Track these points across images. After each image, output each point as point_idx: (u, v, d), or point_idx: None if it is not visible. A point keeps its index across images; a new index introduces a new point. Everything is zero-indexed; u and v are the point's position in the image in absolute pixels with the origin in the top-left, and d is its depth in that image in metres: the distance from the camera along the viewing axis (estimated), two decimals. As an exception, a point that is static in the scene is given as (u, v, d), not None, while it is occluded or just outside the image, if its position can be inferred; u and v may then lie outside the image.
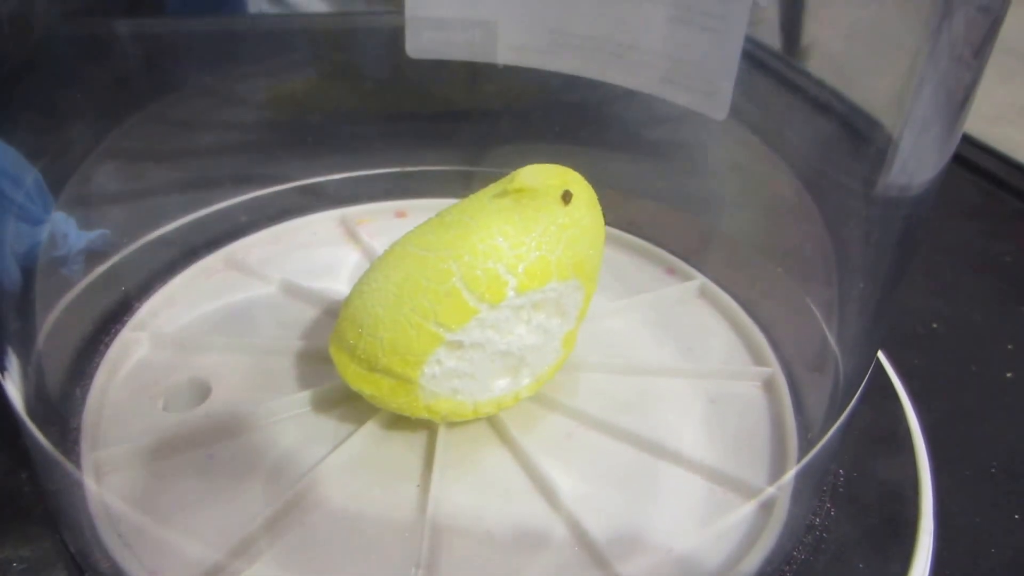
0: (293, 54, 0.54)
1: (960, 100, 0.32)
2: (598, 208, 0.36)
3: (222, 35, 0.51)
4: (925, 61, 0.33)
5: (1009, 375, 0.50)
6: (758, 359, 0.42)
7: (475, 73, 0.48)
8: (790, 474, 0.34)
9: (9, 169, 0.34)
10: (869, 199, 0.38)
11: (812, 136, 0.42)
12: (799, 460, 0.35)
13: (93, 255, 0.41)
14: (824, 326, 0.40)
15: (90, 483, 0.31)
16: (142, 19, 0.47)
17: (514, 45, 0.45)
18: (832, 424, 0.34)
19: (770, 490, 0.33)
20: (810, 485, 0.34)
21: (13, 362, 0.32)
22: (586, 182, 0.36)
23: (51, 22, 0.40)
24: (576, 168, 0.37)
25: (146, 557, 0.29)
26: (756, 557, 0.31)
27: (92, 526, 0.30)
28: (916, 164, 0.35)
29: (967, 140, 0.81)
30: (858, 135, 0.39)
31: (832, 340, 0.39)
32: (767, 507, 0.33)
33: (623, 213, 0.51)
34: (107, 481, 0.32)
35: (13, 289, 0.34)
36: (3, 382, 0.31)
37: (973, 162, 0.78)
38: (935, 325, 0.55)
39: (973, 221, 0.71)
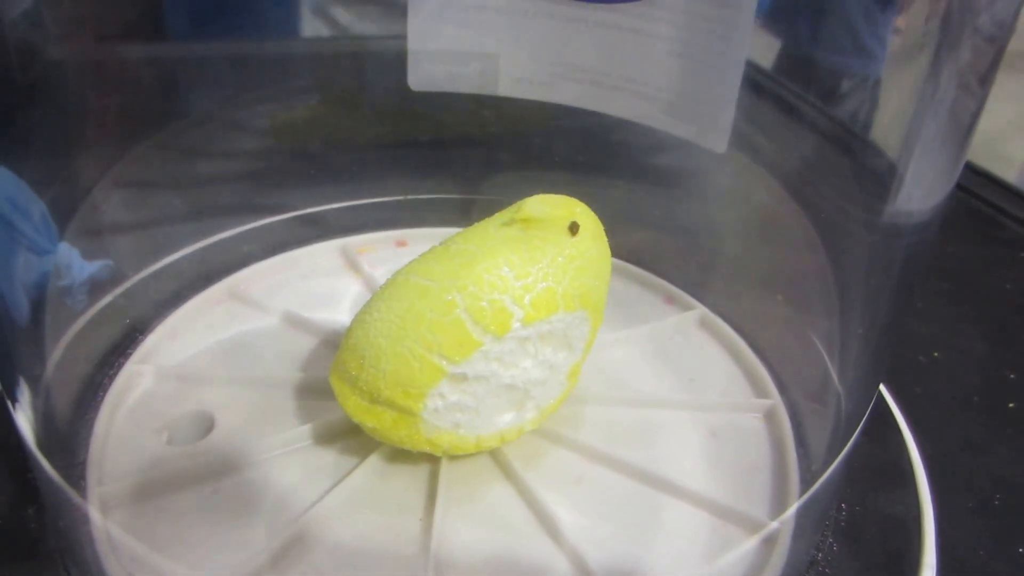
0: (295, 81, 0.54)
1: (966, 127, 0.33)
2: (605, 239, 0.36)
3: (222, 62, 0.51)
4: (932, 90, 0.34)
5: (1011, 405, 0.51)
6: (759, 390, 0.42)
7: (476, 102, 0.49)
8: (792, 509, 0.35)
9: (17, 201, 0.34)
10: (872, 228, 0.38)
11: (815, 165, 0.43)
12: (801, 494, 0.35)
13: (97, 286, 0.41)
14: (826, 357, 0.40)
15: (96, 517, 0.32)
16: (143, 46, 0.47)
17: (516, 77, 0.45)
18: (834, 458, 0.34)
19: (772, 524, 0.34)
20: (812, 520, 0.35)
21: (25, 394, 0.33)
22: (593, 213, 0.36)
23: (56, 50, 0.41)
24: (575, 196, 0.37)
25: None
26: None
27: (98, 560, 0.30)
28: (921, 192, 0.35)
29: (968, 167, 0.82)
30: (861, 164, 0.39)
31: (834, 372, 0.40)
32: (769, 542, 0.33)
33: (621, 241, 0.50)
34: (113, 516, 0.32)
35: (22, 321, 0.35)
36: (15, 414, 0.32)
37: (973, 189, 0.78)
38: (936, 354, 0.55)
39: (973, 248, 0.71)
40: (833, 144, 0.41)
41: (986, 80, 0.32)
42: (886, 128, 0.38)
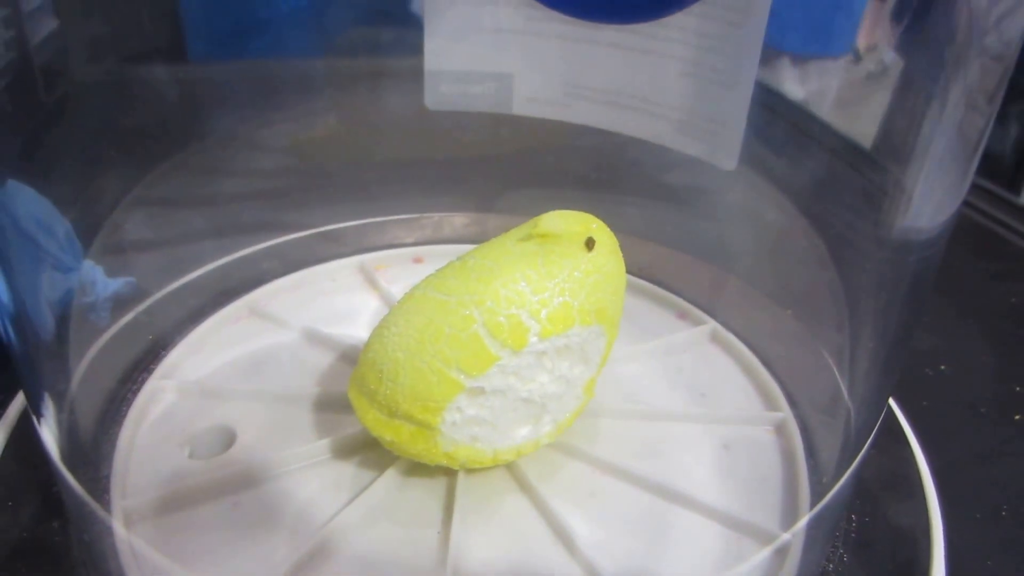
0: (314, 101, 0.55)
1: (974, 144, 0.33)
2: (620, 255, 0.37)
3: (242, 82, 0.52)
4: (941, 108, 0.34)
5: (1017, 417, 0.51)
6: (770, 404, 0.42)
7: (492, 121, 0.49)
8: (803, 521, 0.34)
9: (42, 219, 0.35)
10: (881, 243, 0.38)
11: (824, 182, 0.43)
12: (812, 506, 0.35)
13: (120, 302, 0.41)
14: (836, 371, 0.40)
15: (120, 530, 0.32)
16: (164, 67, 0.48)
17: (530, 97, 0.46)
18: (844, 471, 0.34)
19: (784, 536, 0.34)
20: (823, 531, 0.35)
21: (50, 409, 0.33)
22: (608, 229, 0.36)
23: (79, 72, 0.41)
24: (589, 213, 0.37)
25: None
26: None
27: (122, 573, 0.30)
28: (929, 209, 0.36)
29: (974, 183, 0.82)
30: (871, 181, 0.39)
31: (844, 386, 0.40)
32: (781, 553, 0.34)
33: (634, 258, 0.51)
34: (136, 529, 0.32)
35: (47, 337, 0.35)
36: (40, 430, 0.32)
37: (979, 205, 0.78)
38: (943, 367, 0.55)
39: (980, 262, 0.71)
40: (842, 160, 0.41)
41: (993, 98, 0.32)
42: (895, 145, 0.38)
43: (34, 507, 0.33)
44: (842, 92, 0.42)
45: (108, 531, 0.32)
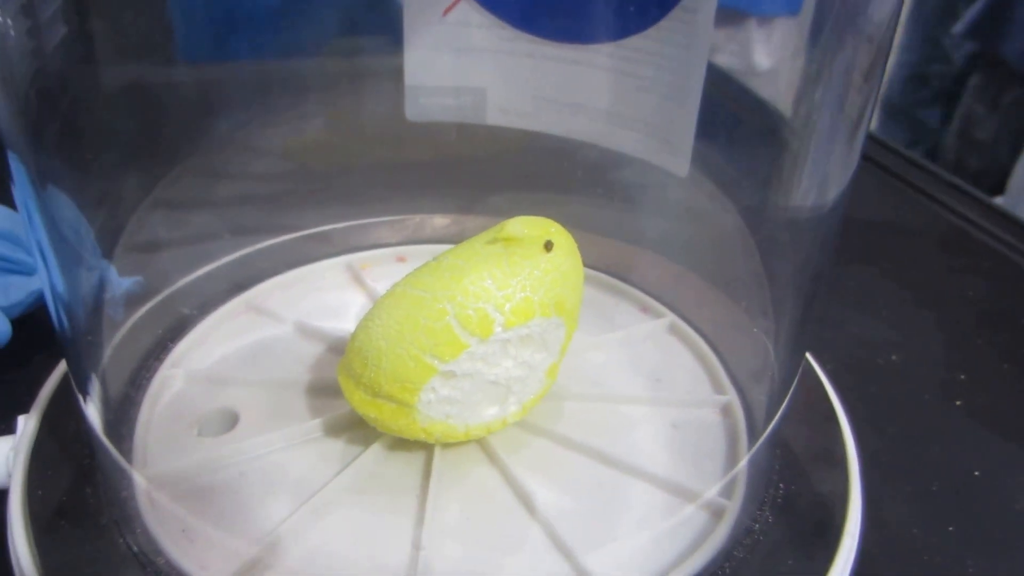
0: (304, 106, 0.61)
1: (854, 120, 0.39)
2: (577, 255, 0.43)
3: (235, 88, 0.57)
4: (824, 87, 0.40)
5: (959, 403, 0.57)
6: (718, 388, 0.49)
7: (468, 130, 0.55)
8: (730, 476, 0.42)
9: (74, 222, 0.41)
10: (789, 224, 0.45)
11: (747, 171, 0.49)
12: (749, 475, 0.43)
13: (131, 300, 0.48)
14: (770, 350, 0.47)
15: (151, 489, 0.39)
16: (158, 71, 0.53)
17: (502, 108, 0.52)
18: (770, 422, 0.42)
19: (720, 500, 0.41)
20: (753, 494, 0.41)
21: (96, 389, 0.40)
22: (567, 232, 0.42)
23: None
24: (561, 214, 0.43)
25: (195, 553, 0.36)
26: (703, 555, 0.38)
27: (149, 529, 0.37)
28: (821, 184, 0.42)
29: (937, 178, 0.89)
30: (775, 164, 0.46)
31: (774, 361, 0.46)
32: (717, 514, 0.40)
33: (601, 255, 0.57)
34: (159, 494, 0.39)
35: (90, 327, 0.42)
36: (86, 407, 0.39)
37: (941, 200, 0.85)
38: (894, 357, 0.62)
39: (944, 257, 0.78)
40: (756, 149, 0.48)
41: (870, 76, 0.37)
42: (789, 124, 0.44)
43: (70, 476, 0.39)
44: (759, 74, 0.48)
45: (142, 492, 0.39)
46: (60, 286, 0.38)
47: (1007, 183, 1.60)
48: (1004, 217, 0.83)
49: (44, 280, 0.38)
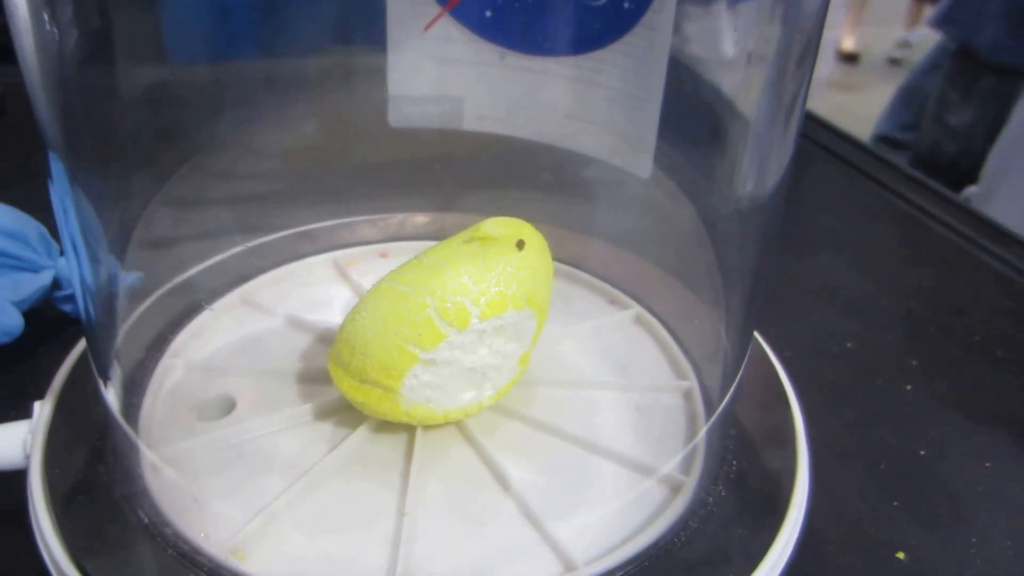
0: (294, 108, 0.63)
1: (788, 107, 0.42)
2: (547, 252, 0.47)
3: (226, 89, 0.59)
4: (759, 74, 0.44)
5: (909, 387, 0.61)
6: (679, 374, 0.53)
7: (447, 135, 0.58)
8: (687, 451, 0.46)
9: (91, 220, 0.45)
10: (735, 213, 0.49)
11: (697, 164, 0.53)
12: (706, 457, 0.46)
13: (133, 295, 0.52)
14: (723, 335, 0.50)
15: (160, 464, 0.43)
16: (152, 72, 0.54)
17: (478, 115, 0.55)
18: (723, 400, 0.46)
19: (679, 475, 0.45)
20: (709, 468, 0.45)
21: (116, 374, 0.45)
22: (537, 231, 0.46)
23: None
24: (533, 212, 0.47)
25: (199, 524, 0.40)
26: (660, 524, 0.42)
27: (157, 503, 0.41)
28: (761, 171, 0.46)
29: (898, 172, 0.93)
30: (720, 156, 0.50)
31: (726, 342, 0.50)
32: (675, 488, 0.44)
33: (572, 250, 0.61)
34: (165, 471, 0.43)
35: (109, 318, 0.46)
36: (106, 392, 0.43)
37: (901, 192, 0.89)
38: (849, 344, 0.66)
39: (903, 249, 0.82)
40: (704, 142, 0.51)
41: (802, 63, 0.41)
42: (731, 112, 0.48)
43: (84, 456, 0.43)
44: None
45: (150, 469, 0.43)
46: (89, 279, 0.42)
47: (980, 173, 1.63)
48: (960, 210, 0.87)
49: (75, 273, 0.42)
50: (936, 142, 1.86)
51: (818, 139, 1.05)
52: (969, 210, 0.87)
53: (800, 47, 0.41)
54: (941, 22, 1.83)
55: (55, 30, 0.39)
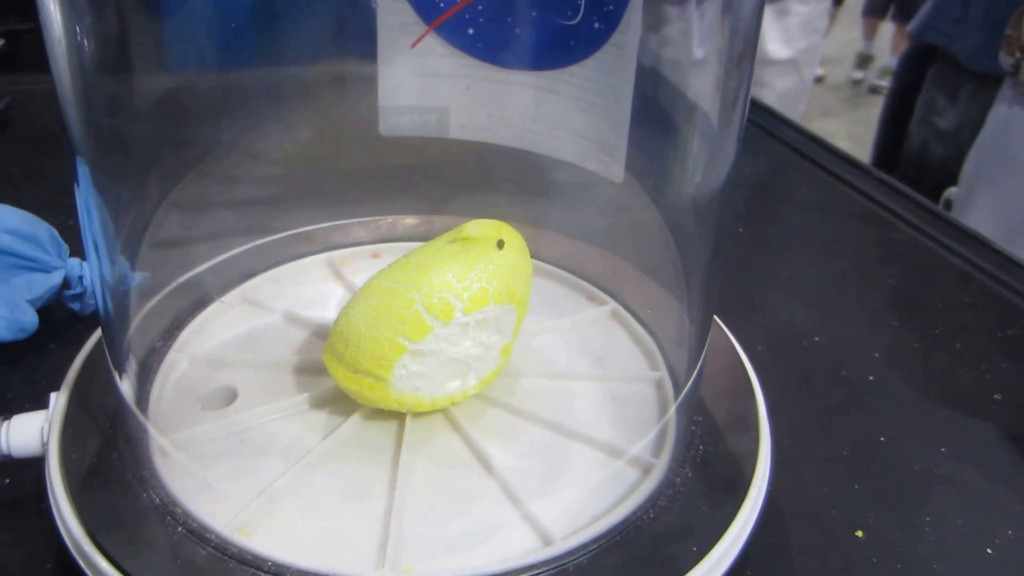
0: (291, 115, 0.66)
1: (731, 103, 0.46)
2: (526, 251, 0.50)
3: (224, 95, 0.62)
4: (702, 73, 0.48)
5: (871, 378, 0.65)
6: (652, 366, 0.56)
7: (434, 143, 0.61)
8: (654, 433, 0.49)
9: (108, 227, 0.48)
10: (689, 209, 0.52)
11: (657, 164, 0.56)
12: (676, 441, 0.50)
13: (141, 293, 0.55)
14: (687, 322, 0.54)
15: (170, 449, 0.47)
16: (158, 79, 0.58)
17: (463, 125, 0.58)
18: (688, 381, 0.50)
19: (649, 458, 0.48)
20: (677, 452, 0.48)
21: (132, 367, 0.48)
22: (517, 232, 0.50)
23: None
24: (515, 215, 0.51)
25: (205, 504, 0.44)
26: (631, 502, 0.45)
27: (166, 485, 0.45)
28: (709, 165, 0.49)
29: (871, 176, 0.97)
30: (674, 154, 0.54)
31: (690, 328, 0.53)
32: (646, 470, 0.48)
33: (553, 250, 0.65)
34: (174, 456, 0.47)
35: (125, 314, 0.50)
36: (121, 383, 0.47)
37: (868, 191, 0.93)
38: (817, 338, 0.69)
39: (869, 248, 0.85)
40: (663, 142, 0.55)
41: (742, 62, 0.44)
42: (684, 109, 0.51)
43: (98, 443, 0.46)
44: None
45: (160, 454, 0.47)
46: (108, 277, 0.46)
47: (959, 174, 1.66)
48: (927, 212, 0.91)
49: (95, 271, 0.46)
50: (924, 144, 1.89)
51: (798, 146, 1.09)
52: (935, 212, 0.91)
53: (739, 47, 0.45)
54: (923, 30, 1.86)
55: (85, 39, 0.42)
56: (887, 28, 4.51)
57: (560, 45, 0.52)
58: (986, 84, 1.71)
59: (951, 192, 1.61)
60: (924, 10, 1.86)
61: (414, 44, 0.57)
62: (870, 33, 4.85)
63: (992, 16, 1.68)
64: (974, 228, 0.88)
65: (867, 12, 4.67)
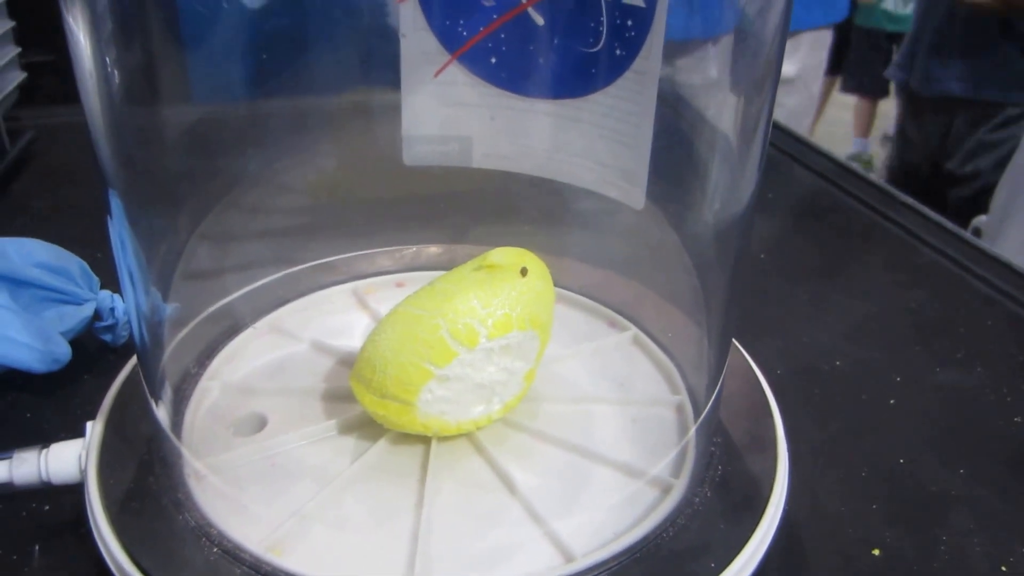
0: (312, 149, 0.68)
1: (752, 127, 0.47)
2: (549, 278, 0.52)
3: (250, 127, 0.64)
4: (722, 98, 0.49)
5: (892, 402, 0.66)
6: (673, 390, 0.58)
7: (457, 173, 0.63)
8: (675, 454, 0.51)
9: (141, 259, 0.50)
10: (710, 236, 0.54)
11: (677, 192, 0.58)
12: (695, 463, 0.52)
13: (172, 324, 0.57)
14: (706, 346, 0.55)
15: (204, 471, 0.49)
16: (182, 110, 0.60)
17: (486, 154, 0.60)
18: (707, 403, 0.51)
19: (669, 478, 0.50)
20: (697, 472, 0.50)
21: (167, 395, 0.51)
22: (539, 259, 0.52)
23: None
24: (538, 243, 0.53)
25: (240, 526, 0.46)
26: (651, 521, 0.47)
27: (201, 508, 0.47)
28: (730, 191, 0.51)
29: (890, 197, 0.99)
30: (697, 184, 0.55)
31: (709, 352, 0.55)
32: (665, 490, 0.49)
33: (575, 278, 0.67)
34: (209, 479, 0.49)
35: (154, 345, 0.52)
36: (157, 410, 0.49)
37: (892, 216, 0.95)
38: (838, 362, 0.71)
39: (890, 272, 0.87)
40: (684, 169, 0.56)
41: (763, 87, 0.45)
42: (699, 137, 0.53)
43: (134, 468, 0.49)
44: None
45: (194, 478, 0.49)
46: (144, 307, 0.48)
47: (990, 202, 1.69)
48: (950, 234, 0.92)
49: (130, 302, 0.48)
50: (901, 152, 2.29)
51: (820, 169, 1.11)
52: (958, 235, 0.92)
53: (759, 71, 0.47)
54: (901, 68, 2.23)
55: (116, 72, 0.45)
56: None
57: (582, 73, 0.54)
58: (942, 106, 2.11)
59: (980, 220, 1.64)
60: (901, 49, 2.33)
61: (437, 73, 0.58)
62: (864, 126, 4.10)
63: (939, 40, 2.05)
64: (1003, 255, 0.89)
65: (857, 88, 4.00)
